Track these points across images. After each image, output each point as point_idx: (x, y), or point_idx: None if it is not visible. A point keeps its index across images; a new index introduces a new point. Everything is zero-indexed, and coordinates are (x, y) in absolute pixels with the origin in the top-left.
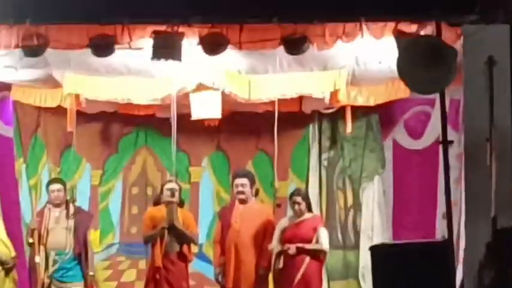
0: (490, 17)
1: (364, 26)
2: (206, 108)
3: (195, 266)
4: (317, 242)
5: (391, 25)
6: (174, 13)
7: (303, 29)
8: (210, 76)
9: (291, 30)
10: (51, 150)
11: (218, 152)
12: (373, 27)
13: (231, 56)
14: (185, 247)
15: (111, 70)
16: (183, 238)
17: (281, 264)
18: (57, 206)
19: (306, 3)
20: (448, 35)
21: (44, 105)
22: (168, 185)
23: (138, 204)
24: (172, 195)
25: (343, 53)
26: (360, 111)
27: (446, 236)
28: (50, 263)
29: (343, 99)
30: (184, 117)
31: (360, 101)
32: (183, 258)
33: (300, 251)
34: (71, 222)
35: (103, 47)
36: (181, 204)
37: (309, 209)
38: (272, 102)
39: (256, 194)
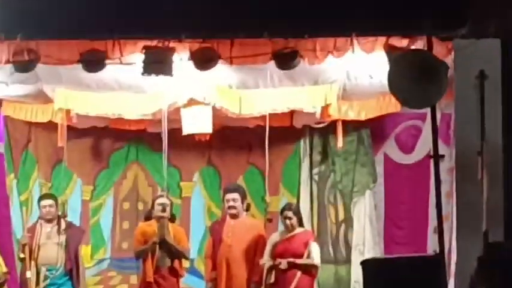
0: (481, 31)
1: (355, 41)
2: (197, 123)
3: (186, 281)
4: (308, 256)
5: (382, 40)
6: (165, 28)
7: (293, 43)
8: (201, 91)
9: (281, 45)
10: (42, 165)
11: (209, 167)
12: (364, 42)
13: (221, 71)
14: (176, 262)
15: (102, 85)
16: (175, 253)
17: (272, 279)
18: (48, 221)
19: (297, 18)
20: (439, 49)
21: (34, 120)
22: (159, 200)
23: (129, 219)
24: (164, 210)
25: (334, 67)
26: (351, 126)
27: (438, 250)
28: (41, 278)
29: (334, 113)
30: (175, 132)
31: (351, 116)
32: (175, 273)
33: (292, 266)
34: (62, 238)
35: (94, 62)
36: (172, 219)
37: (300, 224)
38: (263, 117)
39: (248, 208)
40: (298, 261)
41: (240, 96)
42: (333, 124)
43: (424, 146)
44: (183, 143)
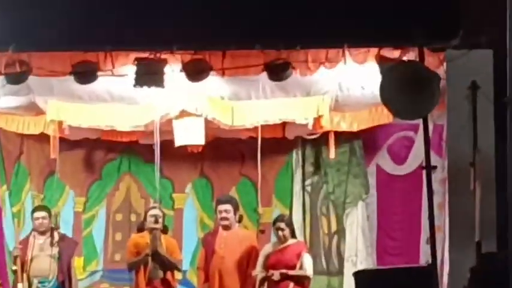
0: (473, 42)
1: (347, 52)
2: (189, 134)
3: None
4: (301, 268)
5: (373, 51)
6: (156, 40)
7: (285, 55)
8: (193, 103)
9: (273, 57)
10: (34, 177)
11: (202, 179)
12: (356, 53)
13: (213, 82)
14: (169, 274)
15: (94, 97)
16: (167, 265)
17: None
18: (42, 233)
19: (289, 30)
20: (431, 60)
21: (27, 132)
22: (152, 212)
23: (122, 231)
24: (156, 221)
25: (326, 78)
26: (343, 137)
27: (430, 261)
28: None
29: (326, 124)
30: (167, 144)
31: (343, 127)
32: (167, 285)
33: (284, 277)
34: (55, 250)
35: (86, 74)
36: (165, 230)
37: (293, 235)
38: (255, 129)
39: (240, 220)
40: (291, 272)
41: (232, 108)
42: (325, 135)
43: (416, 157)
44: (175, 155)
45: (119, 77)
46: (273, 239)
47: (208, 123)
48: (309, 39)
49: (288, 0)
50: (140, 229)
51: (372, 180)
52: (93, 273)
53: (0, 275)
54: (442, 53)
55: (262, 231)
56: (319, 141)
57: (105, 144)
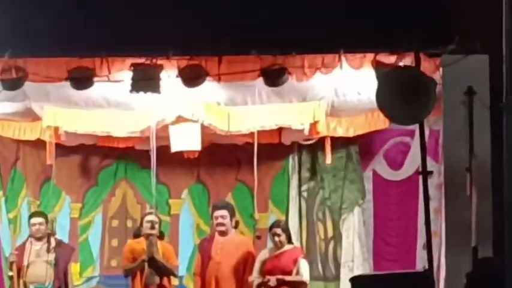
0: (469, 47)
1: (343, 58)
2: (186, 140)
3: None
4: (297, 273)
5: (370, 56)
6: (152, 46)
7: (281, 60)
8: (189, 108)
9: (269, 62)
10: (30, 183)
11: (198, 184)
12: (352, 59)
13: (210, 88)
14: (165, 280)
15: (90, 103)
16: (163, 271)
17: None
18: (38, 239)
19: (285, 35)
20: (427, 65)
21: (23, 138)
22: (148, 218)
23: (118, 236)
24: (152, 227)
25: (322, 84)
26: (339, 142)
27: (427, 267)
28: None
29: (322, 130)
30: (163, 150)
31: (340, 132)
32: (164, 286)
33: (281, 283)
34: (52, 256)
35: (82, 79)
36: (161, 236)
37: (289, 241)
38: (251, 134)
39: (236, 226)
40: (287, 278)
41: (229, 113)
42: (322, 141)
43: (412, 162)
44: (171, 160)
45: (115, 82)
46: (270, 244)
47: (204, 128)
48: (305, 44)
49: (284, 6)
50: (136, 235)
51: (368, 186)
52: (90, 279)
53: None
54: (438, 58)
55: (259, 237)
56: (316, 147)
57: (101, 150)
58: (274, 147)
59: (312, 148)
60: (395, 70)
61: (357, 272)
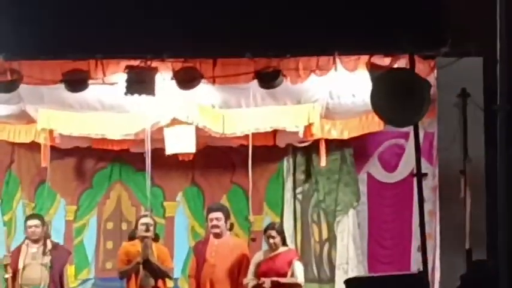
0: (463, 50)
1: (337, 60)
2: (180, 142)
3: None
4: (292, 275)
5: (364, 58)
6: (147, 48)
7: (276, 62)
8: (184, 111)
9: (264, 64)
10: (25, 185)
11: (193, 187)
12: (346, 61)
13: (204, 90)
14: (160, 282)
15: (85, 105)
16: (158, 273)
17: None
18: (34, 242)
19: (279, 37)
20: (422, 67)
21: (18, 140)
22: (143, 220)
23: (113, 239)
24: (147, 230)
25: (316, 86)
26: (334, 145)
27: (422, 269)
28: None
29: (317, 132)
30: (158, 152)
31: (334, 135)
32: None
33: (275, 285)
34: (47, 259)
35: (76, 82)
36: (156, 239)
37: (284, 243)
38: (246, 137)
39: (231, 228)
40: (282, 280)
41: (223, 116)
42: (316, 143)
43: (407, 164)
44: (166, 163)
45: (109, 85)
46: (264, 246)
47: (199, 131)
48: (299, 46)
49: (279, 8)
50: (131, 237)
51: (363, 188)
52: (85, 281)
53: None
54: (433, 61)
55: (254, 239)
56: (310, 149)
57: (96, 152)
58: (268, 150)
59: (306, 150)
60: (390, 72)
61: (352, 274)
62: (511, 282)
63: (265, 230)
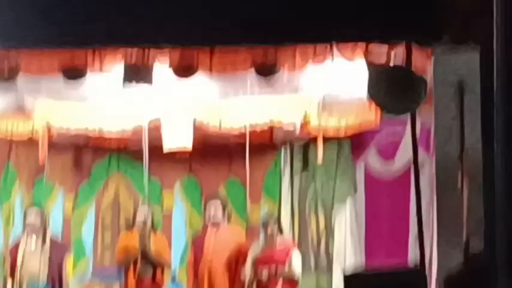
0: (461, 40)
1: (335, 49)
2: (178, 137)
3: None
4: (289, 266)
5: (362, 47)
6: (144, 37)
7: (273, 52)
8: (181, 105)
9: (261, 53)
10: (23, 178)
11: (190, 177)
12: (343, 49)
13: (201, 80)
14: (158, 272)
15: (82, 97)
16: (156, 263)
17: None
18: (33, 234)
19: (276, 26)
20: (419, 56)
21: (15, 132)
22: (141, 210)
23: (111, 230)
24: (145, 220)
25: (313, 76)
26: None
27: (419, 261)
28: None
29: (313, 129)
30: (156, 144)
31: (331, 127)
32: (157, 283)
33: (273, 277)
34: (46, 252)
35: (74, 72)
36: (154, 229)
37: (281, 234)
38: (243, 135)
39: (229, 218)
40: (279, 271)
41: (220, 109)
42: (314, 138)
43: (404, 154)
44: (164, 154)
45: (107, 76)
46: (262, 237)
47: (196, 126)
48: (296, 35)
49: None
50: (129, 228)
51: (360, 178)
52: (83, 273)
53: None
54: (430, 49)
55: (251, 230)
56: (308, 140)
57: (94, 146)
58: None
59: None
60: (386, 67)
61: (349, 264)
62: (509, 272)
63: (263, 221)
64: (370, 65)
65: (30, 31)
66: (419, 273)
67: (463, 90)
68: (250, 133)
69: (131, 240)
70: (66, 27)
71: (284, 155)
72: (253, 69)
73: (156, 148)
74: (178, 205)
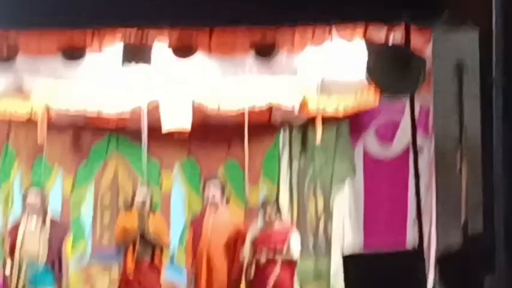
0: (460, 21)
1: (333, 31)
2: (177, 118)
3: (166, 273)
4: (288, 249)
5: (361, 28)
6: (144, 17)
7: (272, 33)
8: (181, 86)
9: (260, 35)
10: (22, 159)
11: (189, 158)
12: (342, 31)
13: (200, 60)
14: (157, 253)
15: (81, 78)
16: (155, 244)
17: (253, 272)
18: (33, 215)
19: (276, 7)
20: (418, 37)
21: (14, 113)
22: (140, 191)
23: (110, 211)
24: (144, 201)
25: (312, 58)
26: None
27: (417, 241)
28: (22, 272)
29: (312, 109)
30: (155, 125)
31: (329, 111)
32: (155, 264)
33: (271, 259)
34: (46, 233)
35: (73, 53)
36: (153, 210)
37: (280, 216)
38: (242, 115)
39: (228, 199)
40: (278, 252)
41: (219, 90)
42: (312, 118)
43: (403, 137)
44: (163, 135)
45: (106, 57)
46: (260, 219)
47: (194, 109)
48: (295, 16)
49: None
50: (128, 209)
51: (359, 161)
52: (82, 254)
53: None
54: (429, 30)
55: (250, 212)
56: (306, 122)
57: (93, 127)
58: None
59: (302, 123)
60: (385, 47)
61: (347, 247)
62: (507, 252)
63: (262, 203)
64: (369, 46)
65: (29, 11)
66: (417, 254)
67: (462, 71)
68: (249, 114)
69: (130, 221)
70: (65, 7)
71: (283, 136)
72: (252, 50)
73: (155, 129)
74: (177, 186)
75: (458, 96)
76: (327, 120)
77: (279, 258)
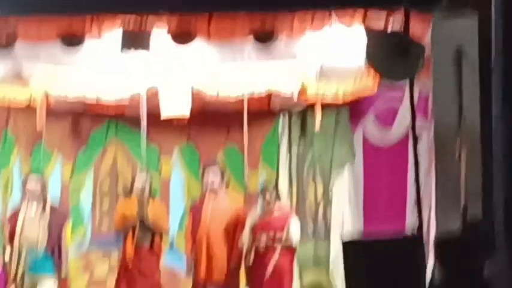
0: (459, 7)
1: (333, 16)
2: (176, 104)
3: (166, 258)
4: (288, 234)
5: (360, 13)
6: (142, 3)
7: (271, 19)
8: (180, 72)
9: (259, 21)
10: (21, 145)
11: (189, 144)
12: (342, 17)
13: (199, 46)
14: (157, 239)
15: (80, 64)
16: (154, 230)
17: (252, 258)
18: (33, 202)
19: None
20: (417, 22)
21: (13, 100)
22: (139, 177)
23: (110, 197)
24: (143, 187)
25: (312, 43)
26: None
27: (417, 227)
28: (22, 258)
29: (311, 96)
30: (154, 111)
31: (328, 97)
32: (155, 250)
33: (271, 244)
34: (46, 219)
35: (72, 39)
36: (152, 196)
37: (279, 200)
38: (241, 102)
39: (227, 184)
40: (278, 238)
41: (218, 76)
42: (312, 104)
43: (402, 121)
44: (162, 121)
45: (105, 44)
46: (260, 204)
47: (194, 92)
48: (295, 1)
49: None
50: (127, 195)
51: (358, 146)
52: (81, 240)
53: None
54: (428, 17)
55: (249, 197)
56: (306, 107)
57: (92, 113)
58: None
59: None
60: (385, 33)
61: (347, 232)
62: (507, 238)
63: (261, 188)
64: (369, 31)
65: None
66: (417, 239)
67: (461, 57)
68: (249, 100)
69: (129, 207)
70: None
71: (282, 121)
72: (251, 36)
73: (154, 115)
74: (176, 172)
75: (457, 82)
76: (326, 105)
77: (279, 243)
